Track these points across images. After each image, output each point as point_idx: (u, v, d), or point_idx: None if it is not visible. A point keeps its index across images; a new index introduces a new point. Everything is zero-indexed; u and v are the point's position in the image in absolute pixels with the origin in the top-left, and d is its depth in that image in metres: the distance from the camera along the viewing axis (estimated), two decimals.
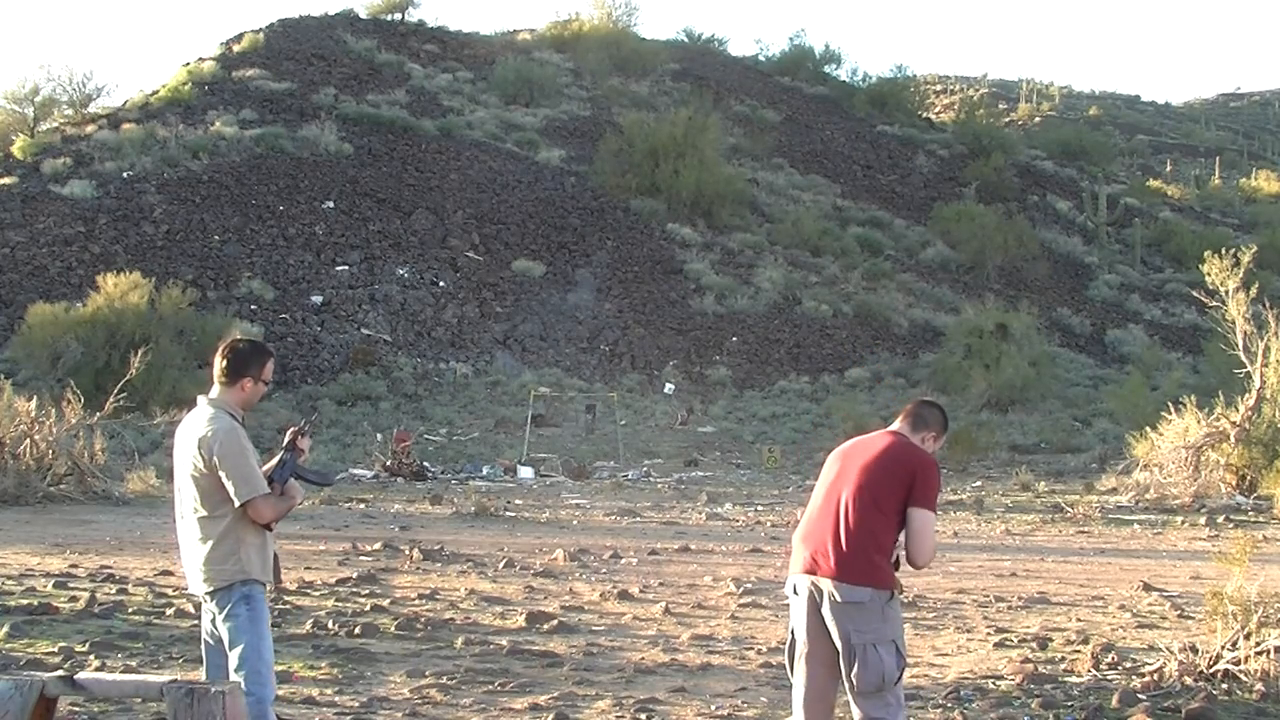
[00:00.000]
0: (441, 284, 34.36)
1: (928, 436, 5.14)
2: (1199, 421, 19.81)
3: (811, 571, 4.94)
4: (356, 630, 8.52)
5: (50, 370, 24.71)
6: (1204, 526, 16.66)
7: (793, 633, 5.09)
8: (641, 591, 10.62)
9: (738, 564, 12.55)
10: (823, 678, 4.98)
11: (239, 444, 4.95)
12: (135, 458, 19.78)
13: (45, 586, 10.05)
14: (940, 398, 29.31)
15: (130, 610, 9.17)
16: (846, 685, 4.88)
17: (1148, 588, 11.00)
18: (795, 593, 5.05)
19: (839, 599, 4.84)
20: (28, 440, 16.73)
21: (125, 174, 35.20)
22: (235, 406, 5.09)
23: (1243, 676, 6.94)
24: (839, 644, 4.86)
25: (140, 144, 36.62)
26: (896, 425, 5.20)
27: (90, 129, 38.84)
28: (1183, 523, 17.15)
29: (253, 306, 31.15)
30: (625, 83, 51.86)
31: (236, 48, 46.63)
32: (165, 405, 20.65)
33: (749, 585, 10.92)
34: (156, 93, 42.29)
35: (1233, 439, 19.48)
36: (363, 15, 53.44)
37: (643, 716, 6.65)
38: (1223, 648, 7.11)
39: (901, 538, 4.95)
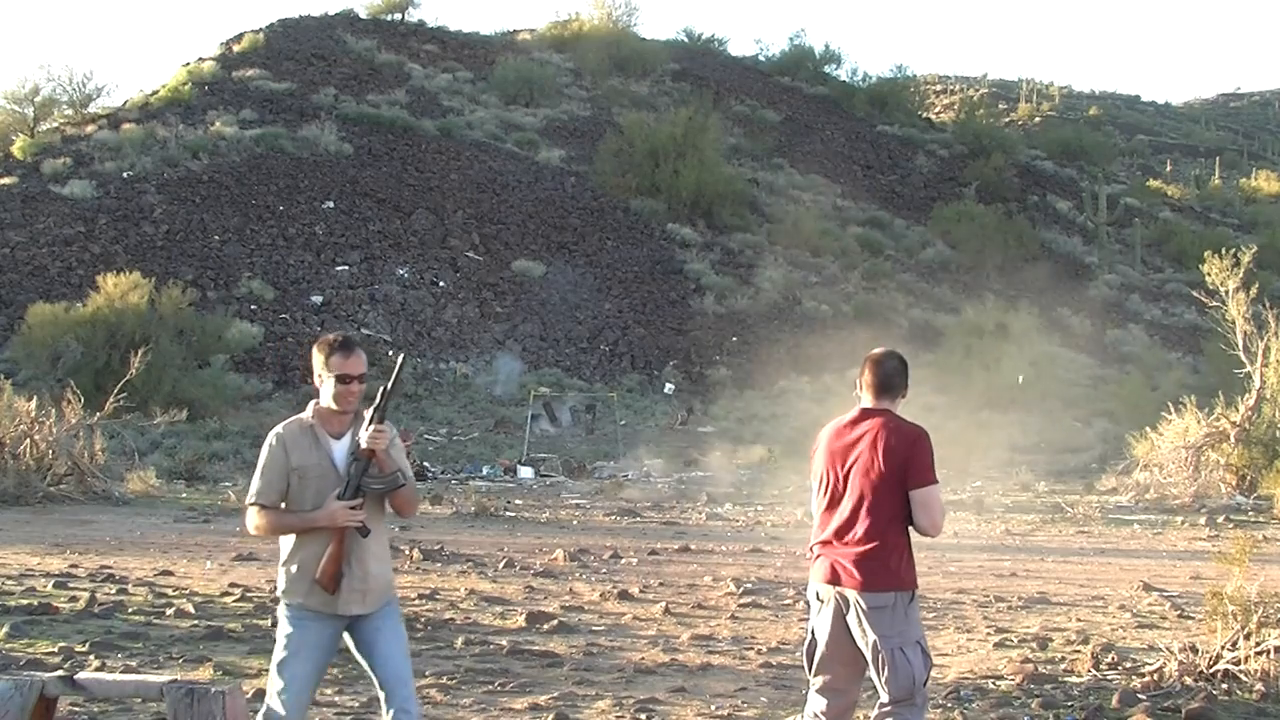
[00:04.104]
0: (441, 284, 34.36)
1: (901, 394, 5.11)
2: (1199, 421, 19.81)
3: (834, 582, 4.97)
4: None
5: (50, 370, 24.68)
6: (1204, 526, 16.64)
7: (813, 633, 5.11)
8: (641, 591, 10.62)
9: (738, 564, 12.55)
10: (844, 676, 5.04)
11: (263, 449, 4.83)
12: (135, 458, 19.76)
13: (45, 586, 10.04)
14: (940, 398, 29.37)
15: (130, 610, 9.16)
16: (880, 691, 4.92)
17: (1148, 588, 11.00)
18: (819, 599, 5.07)
19: (865, 606, 4.88)
20: (28, 440, 16.71)
21: (125, 174, 35.21)
22: (318, 407, 4.86)
23: (1243, 676, 6.94)
24: (866, 651, 4.91)
25: (140, 144, 36.62)
26: (869, 400, 5.10)
27: (90, 129, 38.84)
28: (1183, 523, 17.13)
29: (253, 306, 31.15)
30: (625, 83, 51.86)
31: (236, 48, 46.64)
32: (165, 405, 20.65)
33: (749, 585, 10.92)
34: (156, 93, 42.30)
35: (1233, 439, 19.49)
36: (363, 15, 53.46)
37: (643, 716, 6.65)
38: (1223, 648, 7.11)
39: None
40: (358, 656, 4.92)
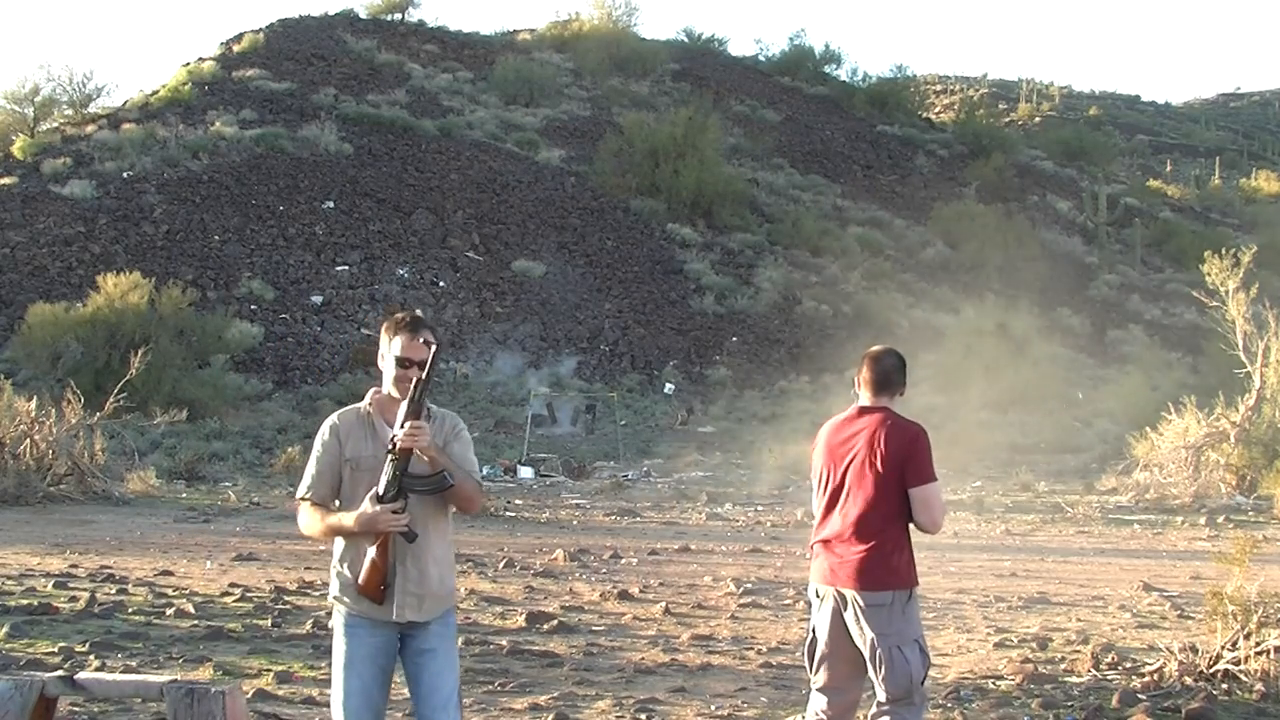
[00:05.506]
0: (441, 284, 34.36)
1: (899, 391, 5.10)
2: (1199, 421, 19.81)
3: (833, 581, 4.98)
4: None
5: (50, 370, 24.69)
6: (1204, 526, 16.64)
7: (814, 632, 5.12)
8: (641, 591, 10.62)
9: (738, 564, 12.55)
10: (844, 674, 5.05)
11: (316, 438, 4.48)
12: (135, 458, 19.76)
13: (45, 586, 10.04)
14: (940, 398, 29.39)
15: (130, 610, 9.16)
16: (877, 690, 4.92)
17: (1148, 588, 11.00)
18: (818, 597, 5.09)
19: (863, 604, 4.89)
20: (28, 440, 16.71)
21: (125, 174, 35.20)
22: (377, 394, 4.49)
23: (1243, 676, 6.94)
24: (864, 649, 4.92)
25: (140, 144, 36.62)
26: (867, 397, 5.09)
27: (90, 129, 38.84)
28: (1183, 523, 17.13)
29: (253, 306, 31.14)
30: (625, 83, 51.85)
31: (236, 48, 46.65)
32: (165, 405, 20.65)
33: (749, 585, 10.92)
34: (156, 93, 42.30)
35: (1233, 439, 19.48)
36: (363, 15, 53.45)
37: (643, 716, 6.65)
38: (1223, 648, 7.11)
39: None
40: (402, 668, 4.50)
